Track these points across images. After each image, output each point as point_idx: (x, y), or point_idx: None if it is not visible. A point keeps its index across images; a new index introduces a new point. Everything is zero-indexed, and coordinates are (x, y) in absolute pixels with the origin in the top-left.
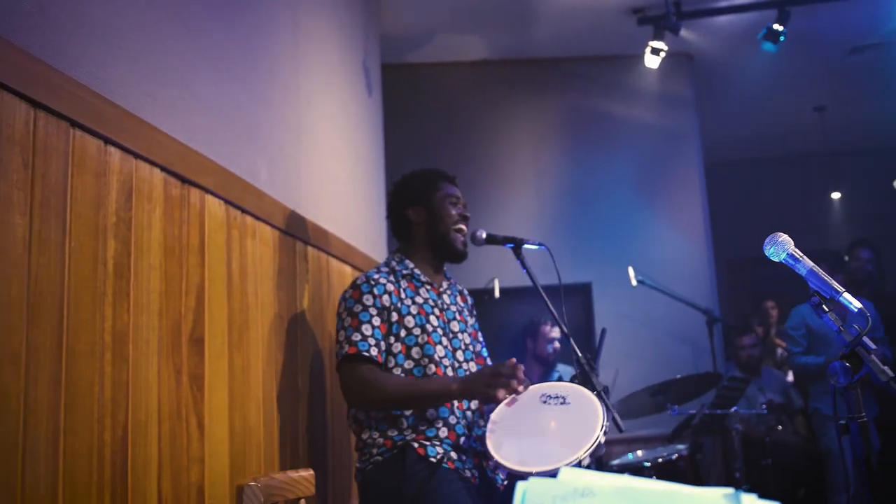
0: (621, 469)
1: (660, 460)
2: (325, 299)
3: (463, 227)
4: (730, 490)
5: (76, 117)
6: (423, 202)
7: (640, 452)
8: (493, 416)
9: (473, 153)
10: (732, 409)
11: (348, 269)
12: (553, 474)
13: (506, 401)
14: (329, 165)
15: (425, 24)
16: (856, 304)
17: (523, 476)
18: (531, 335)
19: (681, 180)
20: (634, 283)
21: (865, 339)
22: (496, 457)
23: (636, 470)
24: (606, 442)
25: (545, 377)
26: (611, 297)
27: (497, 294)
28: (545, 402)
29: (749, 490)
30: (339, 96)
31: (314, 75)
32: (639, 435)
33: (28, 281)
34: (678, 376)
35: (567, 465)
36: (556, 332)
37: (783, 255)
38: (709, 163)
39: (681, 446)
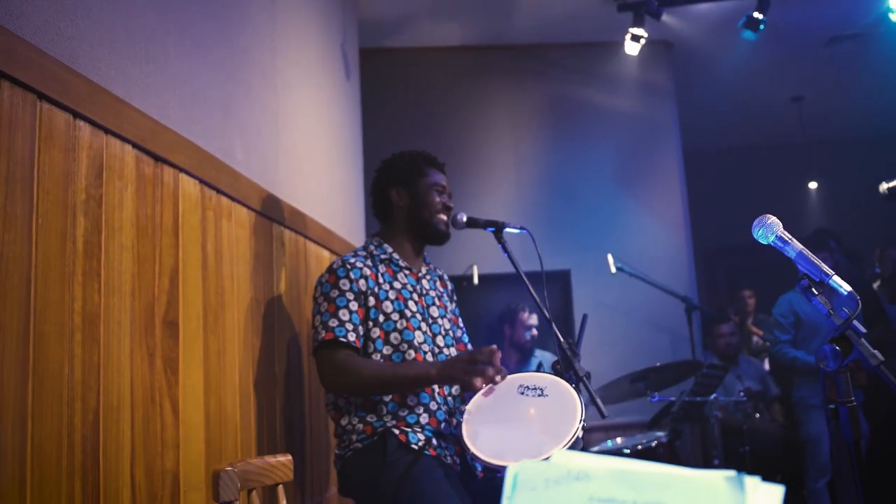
0: (601, 455)
1: (639, 447)
2: (303, 284)
3: (445, 216)
4: (731, 472)
5: (44, 89)
6: (407, 185)
7: (619, 439)
8: (469, 406)
9: (452, 139)
10: (712, 397)
11: (326, 253)
12: None
13: (483, 390)
14: (307, 148)
15: (404, 8)
16: (846, 287)
17: (498, 469)
18: (509, 322)
19: (660, 168)
20: (614, 270)
21: (855, 322)
22: (472, 448)
23: (615, 456)
24: (587, 429)
25: (523, 364)
26: (590, 285)
27: (476, 280)
28: (523, 393)
29: None
30: (317, 79)
31: (292, 57)
32: (618, 422)
33: None
34: (658, 363)
35: (543, 460)
36: (533, 319)
37: (772, 238)
38: (687, 151)
39: (660, 433)
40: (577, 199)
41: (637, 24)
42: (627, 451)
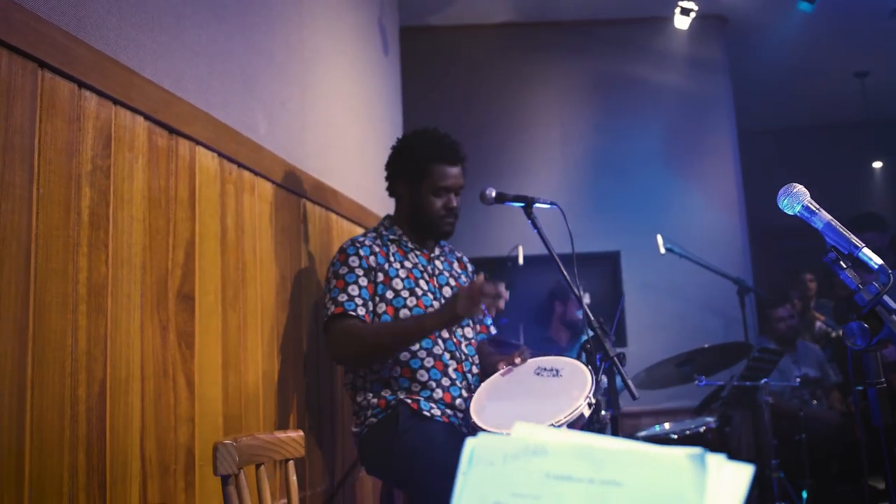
0: (647, 439)
1: (687, 432)
2: None
3: (448, 219)
4: (696, 450)
5: (45, 57)
6: (410, 183)
7: (667, 425)
8: (484, 383)
9: (497, 119)
10: (762, 382)
11: (360, 230)
12: None
13: (501, 371)
14: (339, 124)
15: None
16: (876, 260)
17: None
18: (560, 299)
19: (713, 148)
20: (663, 251)
21: (886, 297)
22: (473, 417)
23: (662, 441)
24: (635, 413)
25: (574, 341)
26: (640, 266)
27: (521, 261)
28: (538, 374)
29: (780, 465)
30: (351, 54)
31: (321, 30)
32: (667, 407)
33: None
34: (705, 345)
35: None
36: (585, 298)
37: (798, 208)
38: (743, 130)
39: (709, 419)
40: (627, 179)
41: None
42: (675, 436)
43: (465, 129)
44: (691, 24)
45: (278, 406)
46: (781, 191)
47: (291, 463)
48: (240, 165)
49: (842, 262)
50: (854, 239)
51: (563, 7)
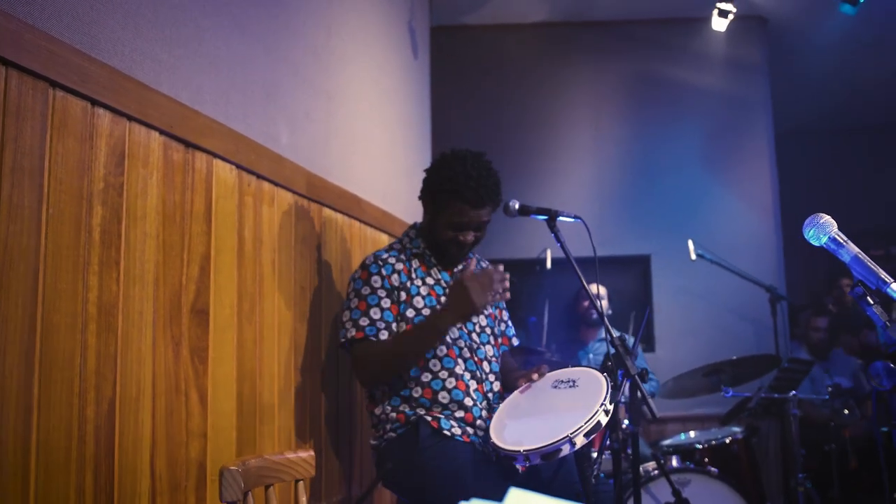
0: (673, 449)
1: (713, 442)
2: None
3: (457, 248)
4: None
5: (56, 77)
6: (430, 207)
7: (692, 433)
8: (503, 403)
9: (531, 120)
10: (791, 394)
11: (384, 237)
12: (544, 452)
13: (520, 388)
14: (365, 131)
15: None
16: None
17: (514, 457)
18: (582, 299)
19: (749, 151)
20: (693, 256)
21: None
22: (493, 438)
23: (687, 451)
24: (664, 419)
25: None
26: (671, 271)
27: (549, 265)
28: (556, 387)
29: (807, 476)
30: (380, 59)
31: (350, 37)
32: (695, 413)
33: None
34: (734, 357)
35: (556, 442)
36: (602, 290)
37: (825, 239)
38: (783, 133)
39: (736, 429)
40: (660, 183)
41: None
42: (700, 445)
43: (496, 131)
44: (730, 26)
45: (295, 419)
46: (808, 220)
47: (301, 483)
48: (259, 177)
49: (869, 298)
50: (882, 273)
51: (600, 6)
